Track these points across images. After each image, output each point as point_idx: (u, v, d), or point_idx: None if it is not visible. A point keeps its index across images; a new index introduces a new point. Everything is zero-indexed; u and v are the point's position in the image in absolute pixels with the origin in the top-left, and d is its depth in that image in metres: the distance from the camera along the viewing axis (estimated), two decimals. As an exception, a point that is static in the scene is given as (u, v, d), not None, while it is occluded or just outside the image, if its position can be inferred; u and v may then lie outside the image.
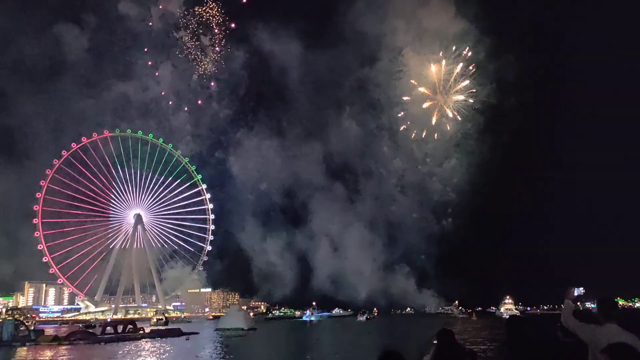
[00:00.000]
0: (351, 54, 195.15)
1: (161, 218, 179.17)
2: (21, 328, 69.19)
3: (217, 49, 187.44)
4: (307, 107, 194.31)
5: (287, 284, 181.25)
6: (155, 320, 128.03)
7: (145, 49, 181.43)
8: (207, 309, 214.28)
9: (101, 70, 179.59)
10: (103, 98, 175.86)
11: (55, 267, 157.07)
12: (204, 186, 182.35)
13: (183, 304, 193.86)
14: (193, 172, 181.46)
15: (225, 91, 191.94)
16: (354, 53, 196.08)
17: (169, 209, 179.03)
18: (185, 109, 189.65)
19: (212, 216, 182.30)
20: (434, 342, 5.62)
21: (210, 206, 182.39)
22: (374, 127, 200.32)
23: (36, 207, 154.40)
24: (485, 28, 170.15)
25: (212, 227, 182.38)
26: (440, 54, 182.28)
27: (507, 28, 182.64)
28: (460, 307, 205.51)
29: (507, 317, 7.46)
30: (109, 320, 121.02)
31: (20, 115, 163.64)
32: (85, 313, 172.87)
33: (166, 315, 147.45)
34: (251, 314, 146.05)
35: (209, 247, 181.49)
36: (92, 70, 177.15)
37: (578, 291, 6.73)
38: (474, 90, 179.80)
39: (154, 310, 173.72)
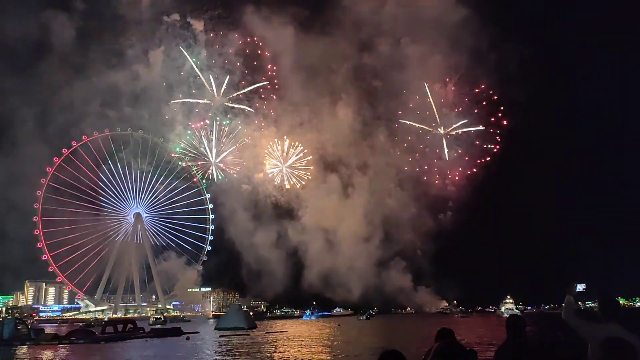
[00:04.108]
0: (347, 40, 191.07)
1: (161, 217, 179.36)
2: (19, 327, 69.08)
3: (210, 34, 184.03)
4: (301, 95, 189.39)
5: (280, 281, 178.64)
6: (153, 319, 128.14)
7: (136, 36, 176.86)
8: (207, 308, 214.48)
9: (91, 58, 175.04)
10: (93, 87, 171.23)
11: (54, 265, 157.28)
12: (204, 186, 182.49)
13: (183, 303, 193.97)
14: (193, 172, 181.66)
15: (219, 79, 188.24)
16: (350, 40, 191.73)
17: (169, 208, 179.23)
18: (178, 97, 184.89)
19: (212, 216, 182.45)
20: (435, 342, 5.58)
21: (211, 206, 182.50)
22: (371, 116, 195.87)
23: (36, 205, 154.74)
24: (487, 16, 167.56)
25: (212, 227, 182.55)
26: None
27: (510, 16, 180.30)
28: (460, 307, 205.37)
29: (507, 316, 7.42)
30: (106, 319, 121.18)
31: (10, 108, 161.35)
32: (85, 312, 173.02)
33: (165, 314, 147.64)
34: (251, 313, 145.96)
35: (208, 247, 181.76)
36: (82, 58, 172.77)
37: (580, 287, 6.67)
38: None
39: (154, 309, 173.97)
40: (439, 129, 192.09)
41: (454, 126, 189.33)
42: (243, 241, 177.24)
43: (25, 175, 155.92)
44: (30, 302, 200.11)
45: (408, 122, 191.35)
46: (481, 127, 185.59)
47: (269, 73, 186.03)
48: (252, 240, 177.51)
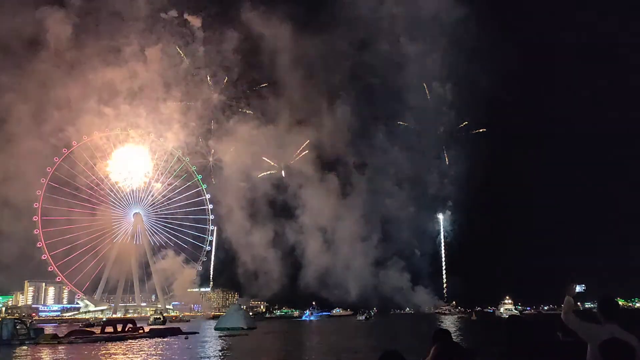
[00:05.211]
0: (346, 38, 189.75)
1: (160, 217, 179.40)
2: (18, 327, 69.02)
3: (208, 31, 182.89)
4: (299, 93, 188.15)
5: (277, 281, 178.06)
6: (152, 319, 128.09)
7: (133, 33, 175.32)
8: (206, 309, 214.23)
9: (88, 55, 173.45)
10: (90, 85, 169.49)
11: (54, 265, 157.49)
12: (205, 186, 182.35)
13: (182, 303, 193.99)
14: (194, 172, 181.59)
15: (217, 76, 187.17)
16: (349, 38, 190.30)
17: (168, 208, 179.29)
18: (175, 95, 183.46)
19: (212, 217, 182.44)
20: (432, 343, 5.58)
21: (210, 206, 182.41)
22: (369, 115, 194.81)
23: (36, 205, 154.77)
24: (488, 13, 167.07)
25: (212, 227, 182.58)
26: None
27: (511, 13, 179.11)
28: (459, 307, 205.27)
29: (507, 317, 7.43)
30: (104, 319, 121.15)
31: (6, 106, 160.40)
32: (85, 312, 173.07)
33: (164, 314, 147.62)
34: (250, 313, 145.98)
35: (208, 247, 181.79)
36: (78, 55, 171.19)
37: (579, 287, 6.67)
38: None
39: (153, 309, 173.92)
40: (438, 129, 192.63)
41: (453, 125, 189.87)
42: (240, 240, 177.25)
43: (24, 175, 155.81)
44: (29, 302, 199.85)
45: (407, 122, 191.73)
46: (481, 128, 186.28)
47: (268, 70, 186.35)
48: (249, 240, 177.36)
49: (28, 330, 69.86)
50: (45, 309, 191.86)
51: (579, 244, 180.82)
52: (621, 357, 4.73)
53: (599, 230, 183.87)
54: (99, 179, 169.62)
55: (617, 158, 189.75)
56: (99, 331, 77.24)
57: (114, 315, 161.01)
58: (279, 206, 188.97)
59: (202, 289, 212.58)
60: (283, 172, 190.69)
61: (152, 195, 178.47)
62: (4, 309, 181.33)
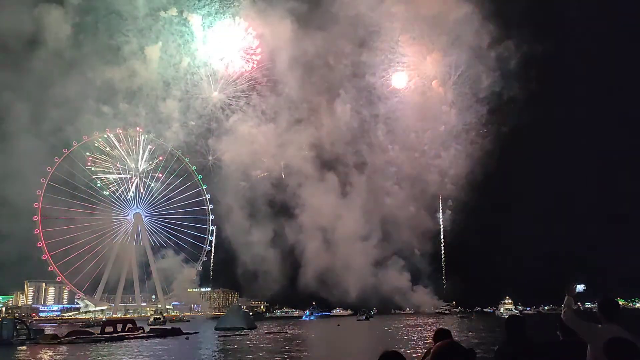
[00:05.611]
0: (345, 36, 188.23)
1: (160, 217, 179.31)
2: (18, 327, 69.10)
3: (207, 30, 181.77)
4: (299, 91, 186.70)
5: (277, 281, 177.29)
6: (152, 319, 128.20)
7: (132, 32, 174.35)
8: (206, 309, 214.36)
9: (86, 54, 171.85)
10: (89, 84, 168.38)
11: (54, 265, 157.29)
12: (205, 186, 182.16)
13: (182, 303, 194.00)
14: (193, 172, 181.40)
15: (216, 75, 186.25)
16: (349, 36, 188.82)
17: (168, 208, 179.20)
18: (175, 94, 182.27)
19: (212, 216, 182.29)
20: (434, 343, 5.58)
21: (211, 206, 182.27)
22: (369, 114, 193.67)
23: (36, 205, 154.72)
24: (488, 13, 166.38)
25: (212, 227, 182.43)
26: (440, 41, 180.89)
27: (511, 13, 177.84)
28: (459, 307, 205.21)
29: (507, 317, 7.41)
30: (104, 319, 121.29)
31: (3, 105, 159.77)
32: (85, 312, 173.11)
33: (164, 314, 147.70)
34: (250, 313, 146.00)
35: (207, 247, 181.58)
36: (77, 54, 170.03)
37: (580, 287, 6.66)
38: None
39: (153, 309, 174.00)
40: (438, 128, 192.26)
41: (453, 124, 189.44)
42: (240, 240, 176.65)
43: (24, 174, 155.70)
44: (30, 302, 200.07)
45: (407, 121, 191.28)
46: (481, 128, 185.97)
47: (267, 69, 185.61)
48: (249, 239, 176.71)
49: (28, 330, 69.93)
50: (45, 309, 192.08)
51: (579, 244, 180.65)
52: (626, 356, 4.72)
53: (600, 230, 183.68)
54: (99, 179, 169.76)
55: (618, 158, 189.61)
56: (99, 331, 77.27)
57: (114, 315, 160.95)
58: (278, 206, 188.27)
59: (202, 289, 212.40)
60: (282, 172, 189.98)
61: (152, 195, 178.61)
62: (4, 309, 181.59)
